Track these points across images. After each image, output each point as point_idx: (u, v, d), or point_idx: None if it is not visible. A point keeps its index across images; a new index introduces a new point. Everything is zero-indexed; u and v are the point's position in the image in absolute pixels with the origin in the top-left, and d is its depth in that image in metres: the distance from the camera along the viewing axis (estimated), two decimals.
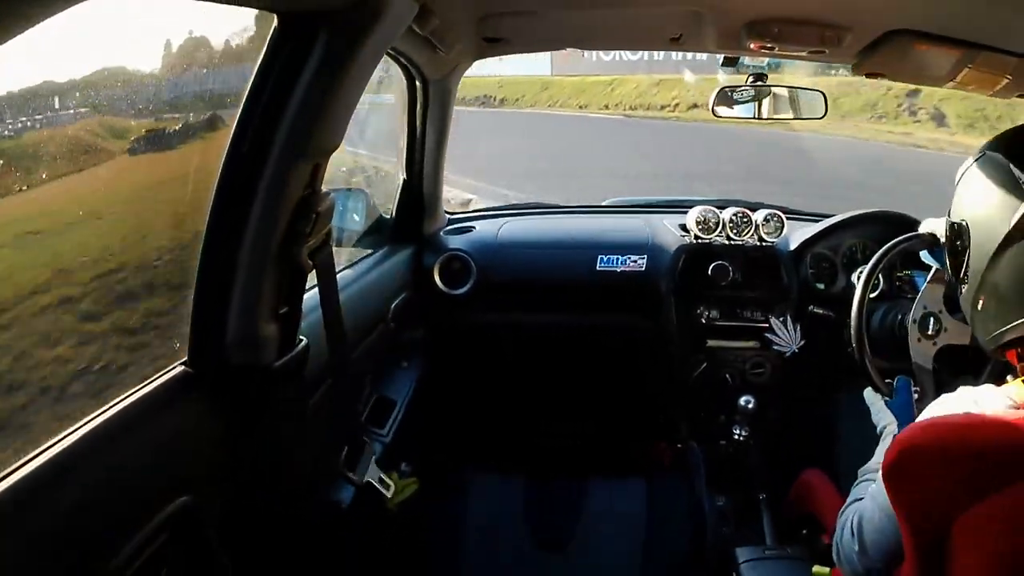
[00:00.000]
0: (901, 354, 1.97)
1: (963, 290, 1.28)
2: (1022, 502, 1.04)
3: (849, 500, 1.55)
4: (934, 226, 1.92)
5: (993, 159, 1.21)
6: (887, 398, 1.83)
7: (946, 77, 1.95)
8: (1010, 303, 1.20)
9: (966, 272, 1.26)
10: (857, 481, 1.60)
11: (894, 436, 1.65)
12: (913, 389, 1.84)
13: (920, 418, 1.23)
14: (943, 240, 1.36)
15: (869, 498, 1.36)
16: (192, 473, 1.33)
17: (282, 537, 1.63)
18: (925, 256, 1.95)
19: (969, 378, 1.83)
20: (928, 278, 1.95)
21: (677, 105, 19.19)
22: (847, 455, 2.36)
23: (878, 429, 1.78)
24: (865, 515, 1.35)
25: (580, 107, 21.57)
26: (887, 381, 1.90)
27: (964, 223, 1.24)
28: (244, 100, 1.35)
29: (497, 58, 2.49)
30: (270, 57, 1.34)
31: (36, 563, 1.00)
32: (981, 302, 1.24)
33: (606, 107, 20.99)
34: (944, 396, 1.22)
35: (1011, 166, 1.16)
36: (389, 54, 2.02)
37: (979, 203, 1.22)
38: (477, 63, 2.50)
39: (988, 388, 1.18)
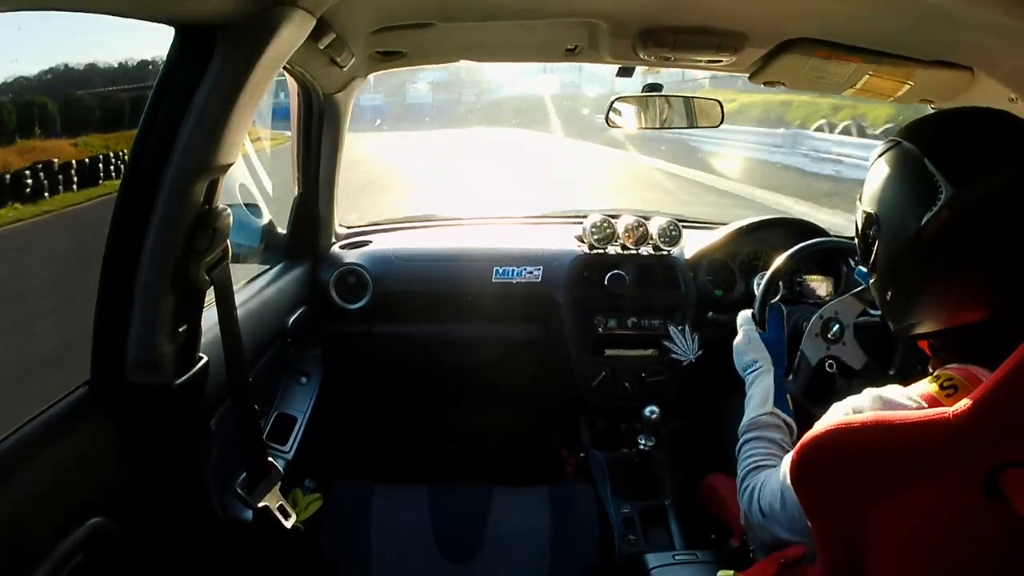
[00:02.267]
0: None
1: (873, 278, 1.30)
2: (930, 500, 1.06)
3: (743, 466, 1.56)
4: None
5: (907, 150, 1.21)
6: (761, 331, 1.81)
7: (846, 84, 2.00)
8: (918, 299, 1.22)
9: (875, 262, 1.27)
10: (741, 440, 1.61)
11: (760, 374, 1.70)
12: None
13: (826, 417, 1.22)
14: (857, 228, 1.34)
15: (779, 481, 1.36)
16: (101, 494, 1.30)
17: (191, 556, 1.59)
18: (860, 275, 1.95)
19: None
20: (855, 291, 1.98)
21: None
22: None
23: (743, 361, 1.78)
24: (778, 498, 1.36)
25: None
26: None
27: (875, 214, 1.25)
28: (143, 115, 1.33)
29: None
30: (168, 71, 1.33)
31: None
32: (890, 294, 1.26)
33: None
34: (850, 397, 1.22)
35: (925, 160, 1.16)
36: (286, 68, 2.00)
37: (890, 195, 1.22)
38: None
39: (894, 388, 1.18)
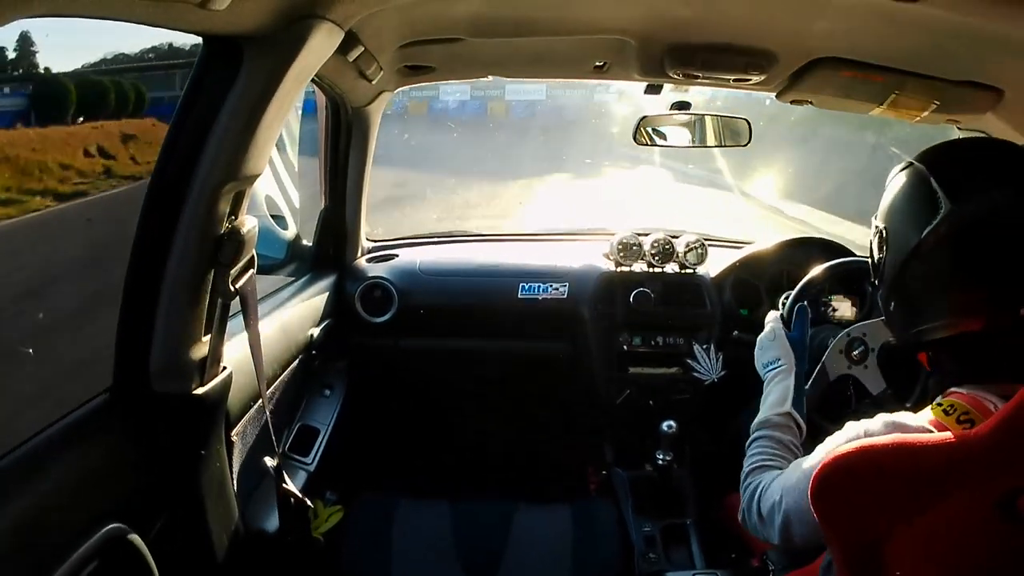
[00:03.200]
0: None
1: (880, 290, 1.33)
2: (947, 521, 1.06)
3: (749, 463, 1.55)
4: None
5: (917, 170, 1.25)
6: (787, 330, 1.79)
7: (873, 103, 1.98)
8: (917, 309, 1.24)
9: (882, 274, 1.30)
10: (751, 437, 1.60)
11: (781, 373, 1.68)
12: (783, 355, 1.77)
13: (839, 437, 1.25)
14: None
15: (791, 491, 1.34)
16: (121, 500, 1.31)
17: (210, 565, 1.59)
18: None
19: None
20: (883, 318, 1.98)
21: None
22: None
23: (766, 356, 1.76)
24: (782, 506, 1.35)
25: None
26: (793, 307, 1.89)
27: (884, 228, 1.28)
28: (170, 125, 1.34)
29: None
30: (196, 81, 1.33)
31: None
32: (893, 304, 1.29)
33: None
34: (864, 420, 1.24)
35: (931, 179, 1.20)
36: (314, 80, 2.02)
37: (897, 211, 1.26)
38: None
39: (905, 414, 1.20)
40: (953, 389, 1.21)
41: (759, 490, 1.44)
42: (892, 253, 1.26)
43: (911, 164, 1.27)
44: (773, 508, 1.37)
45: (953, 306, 1.20)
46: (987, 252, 1.15)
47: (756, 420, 1.64)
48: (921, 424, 1.16)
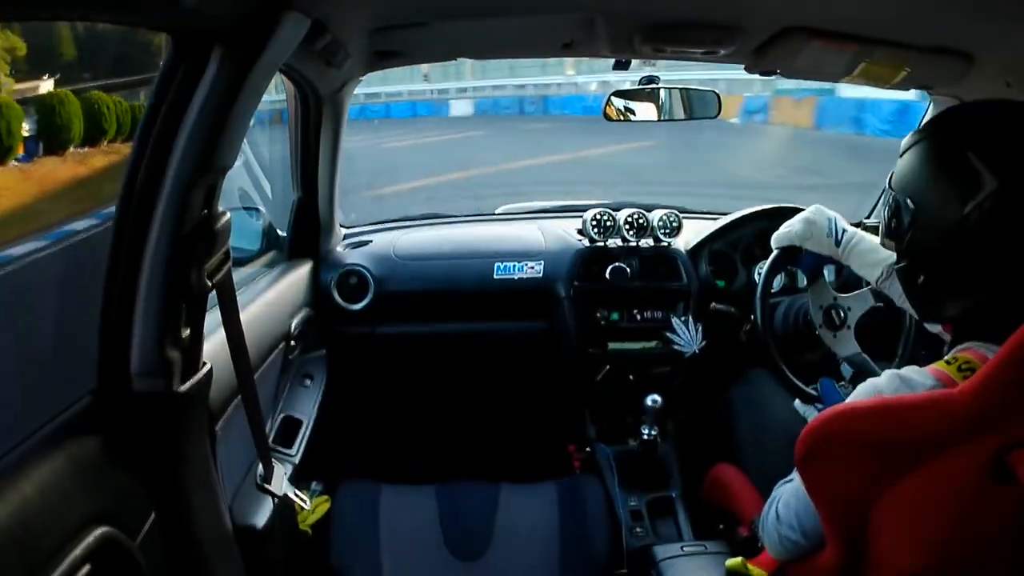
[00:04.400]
0: (812, 345, 2.03)
1: (902, 263, 1.31)
2: (937, 481, 1.06)
3: (782, 481, 1.56)
4: (784, 240, 2.04)
5: (946, 141, 1.22)
6: (819, 405, 1.83)
7: (844, 72, 1.98)
8: (952, 283, 1.23)
9: (908, 248, 1.28)
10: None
11: None
12: (841, 385, 1.85)
13: (847, 400, 1.24)
14: (886, 213, 1.34)
15: (796, 482, 1.37)
16: (108, 503, 1.30)
17: (201, 563, 1.59)
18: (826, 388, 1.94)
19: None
20: (806, 285, 1.99)
21: None
22: (750, 448, 2.44)
23: None
24: (792, 499, 1.37)
25: None
26: (812, 387, 1.93)
27: (909, 202, 1.25)
28: (140, 123, 1.33)
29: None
30: (164, 78, 1.32)
31: None
32: (922, 278, 1.27)
33: None
34: (871, 379, 1.24)
35: (968, 152, 1.16)
36: (281, 70, 1.99)
37: (930, 185, 1.23)
38: None
39: (912, 367, 1.20)
40: (965, 344, 1.21)
41: (780, 496, 1.46)
42: (924, 228, 1.24)
43: (932, 133, 1.25)
44: (788, 500, 1.38)
45: (994, 281, 1.19)
46: None
47: None
48: (928, 377, 1.16)
